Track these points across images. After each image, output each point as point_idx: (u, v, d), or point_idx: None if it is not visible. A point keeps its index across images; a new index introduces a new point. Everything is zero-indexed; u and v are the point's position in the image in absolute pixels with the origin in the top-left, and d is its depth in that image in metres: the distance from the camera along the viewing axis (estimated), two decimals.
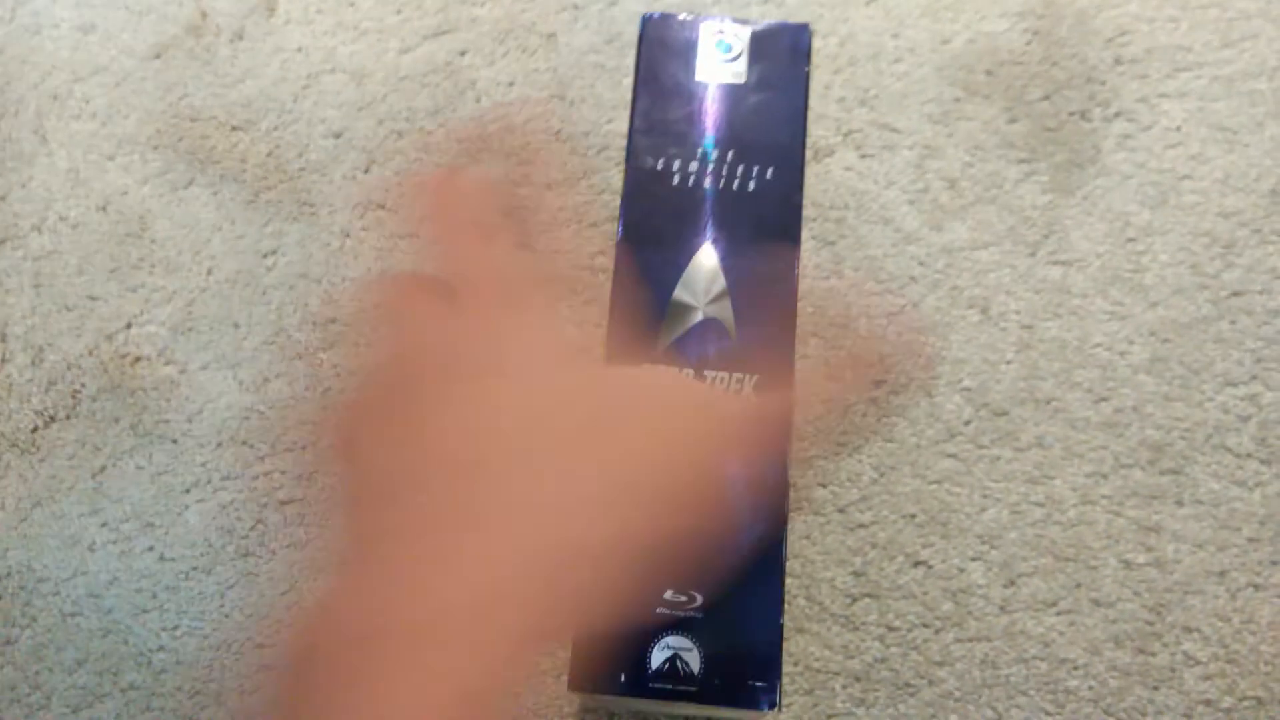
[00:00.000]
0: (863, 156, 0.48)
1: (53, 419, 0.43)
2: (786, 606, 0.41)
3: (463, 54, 0.50)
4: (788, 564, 0.42)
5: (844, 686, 0.41)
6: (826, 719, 0.40)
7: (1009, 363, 0.45)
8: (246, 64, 0.50)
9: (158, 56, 0.50)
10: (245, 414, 0.43)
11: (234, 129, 0.48)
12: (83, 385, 0.44)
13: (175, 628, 0.41)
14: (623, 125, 0.48)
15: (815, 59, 0.50)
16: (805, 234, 0.47)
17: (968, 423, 0.44)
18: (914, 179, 0.48)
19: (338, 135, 0.48)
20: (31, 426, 0.43)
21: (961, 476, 0.43)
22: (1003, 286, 0.46)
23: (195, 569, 0.41)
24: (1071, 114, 0.49)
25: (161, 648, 0.41)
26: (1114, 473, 0.44)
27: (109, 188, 0.47)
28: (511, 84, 0.49)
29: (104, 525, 0.42)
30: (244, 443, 0.43)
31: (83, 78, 0.50)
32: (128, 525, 0.42)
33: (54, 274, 0.46)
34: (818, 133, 0.49)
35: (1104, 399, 0.45)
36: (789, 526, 0.43)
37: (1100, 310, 0.46)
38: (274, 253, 0.46)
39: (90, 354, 0.44)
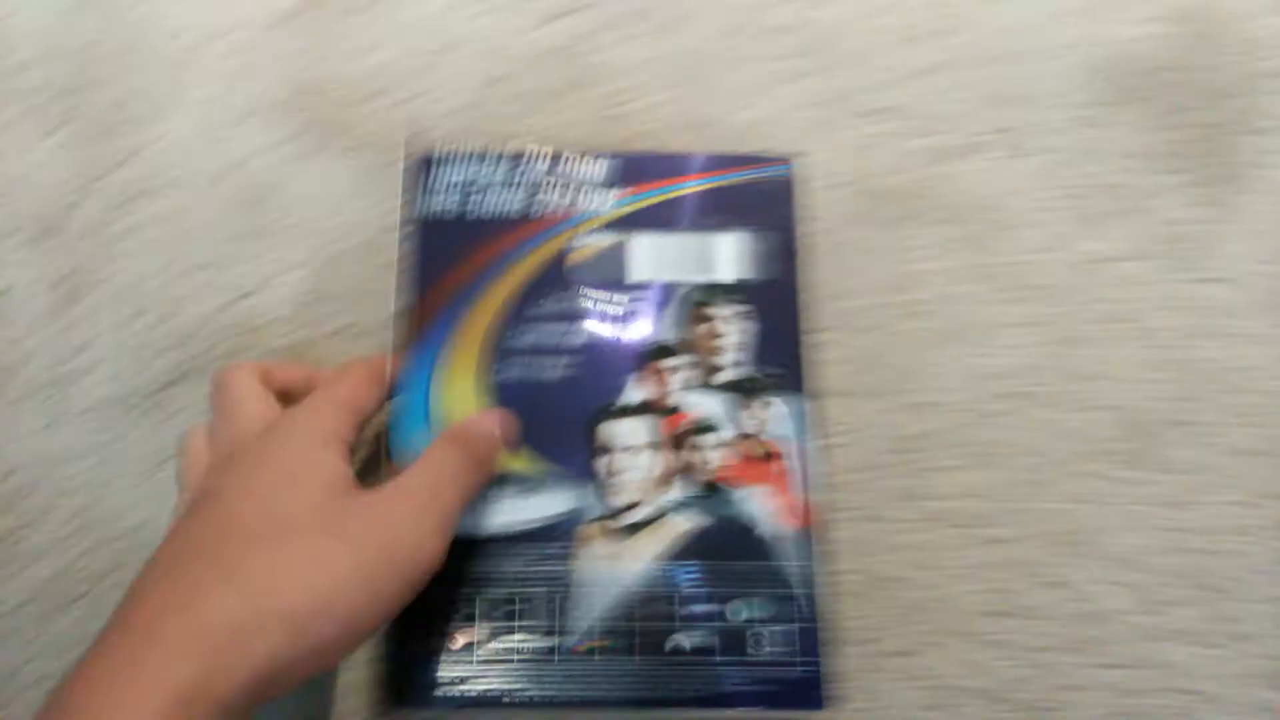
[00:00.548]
0: (1009, 157, 0.47)
1: (184, 376, 0.43)
2: (920, 616, 0.40)
3: (596, 32, 0.49)
4: (922, 574, 0.41)
5: (974, 705, 0.39)
6: None
7: (1160, 382, 0.43)
8: (379, 32, 0.49)
9: (291, 19, 0.49)
10: None
11: (365, 98, 0.48)
12: (212, 346, 0.44)
13: None
14: (755, 113, 0.47)
15: (960, 53, 0.48)
16: (941, 235, 0.45)
17: (1115, 441, 0.42)
18: (1062, 183, 0.46)
19: (469, 109, 0.47)
20: (161, 384, 0.43)
21: (1107, 497, 0.42)
22: (1154, 302, 0.44)
23: None
24: (1229, 124, 0.47)
25: None
26: (1265, 502, 0.42)
27: (241, 149, 0.47)
28: (645, 62, 0.48)
29: None
30: None
31: (216, 37, 0.49)
32: None
33: (187, 233, 0.45)
34: (964, 129, 0.47)
35: (1257, 425, 0.43)
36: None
37: (1257, 333, 0.44)
38: (407, 224, 0.45)
39: (220, 315, 0.44)
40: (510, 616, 0.35)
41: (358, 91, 0.48)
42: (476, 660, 0.35)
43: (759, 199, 0.40)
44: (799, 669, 0.35)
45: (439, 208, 0.40)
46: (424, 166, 0.41)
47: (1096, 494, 0.42)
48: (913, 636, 0.40)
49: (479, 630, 0.35)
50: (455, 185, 0.41)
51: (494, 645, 0.35)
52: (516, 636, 0.35)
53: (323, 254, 0.45)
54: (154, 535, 0.41)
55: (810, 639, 0.35)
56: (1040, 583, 0.41)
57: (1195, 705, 0.39)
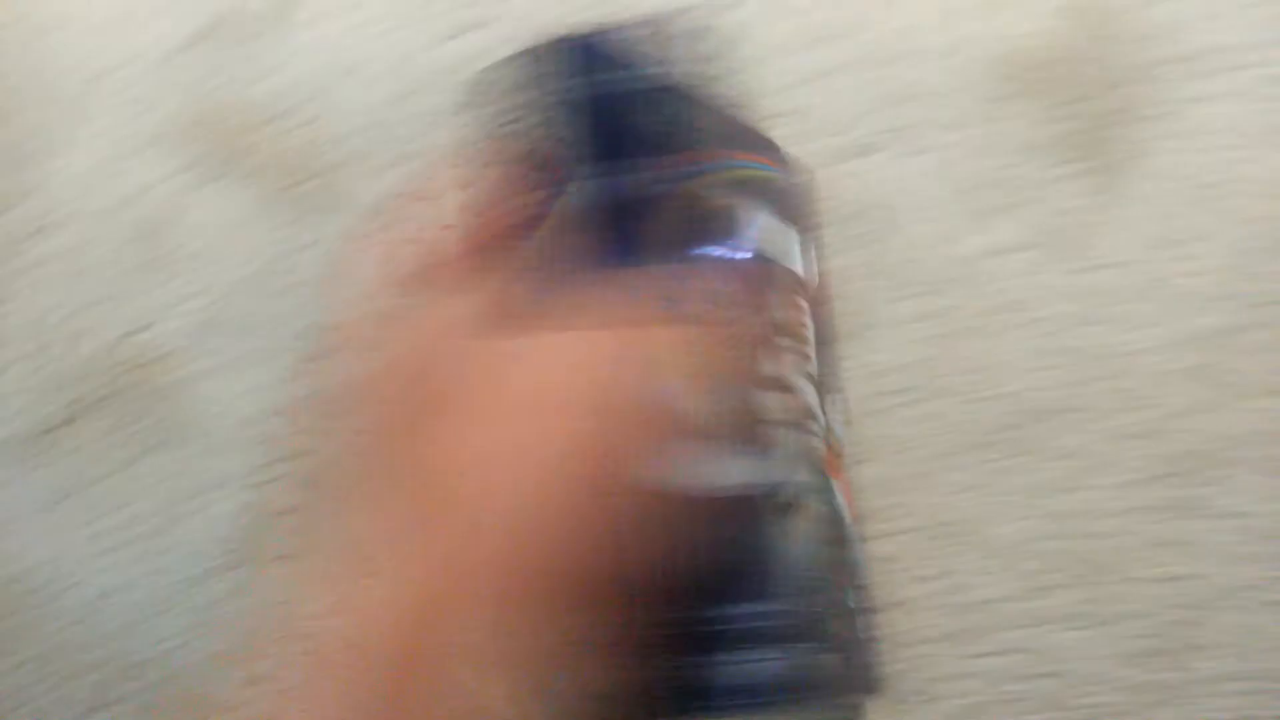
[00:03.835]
0: (904, 155, 0.47)
1: (83, 412, 0.44)
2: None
3: (499, 47, 0.49)
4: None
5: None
6: None
7: (1047, 369, 0.44)
8: (281, 55, 0.49)
9: (188, 49, 0.50)
10: (271, 416, 0.43)
11: (267, 121, 0.48)
12: (112, 380, 0.44)
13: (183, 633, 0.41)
14: None
15: (864, 50, 0.48)
16: (836, 235, 0.46)
17: (1000, 430, 0.43)
18: (955, 179, 0.47)
19: (373, 128, 0.48)
20: (59, 421, 0.43)
21: (990, 486, 0.43)
22: (1043, 290, 0.45)
23: (209, 572, 0.41)
24: (1116, 114, 0.48)
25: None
26: (1150, 483, 0.43)
27: (138, 181, 0.47)
28: None
29: (119, 526, 0.42)
30: (266, 445, 0.43)
31: (113, 70, 0.49)
32: (145, 525, 0.42)
33: (86, 266, 0.46)
34: (858, 130, 0.48)
35: (1142, 407, 0.44)
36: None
37: (1141, 316, 0.45)
38: (308, 247, 0.46)
39: (118, 348, 0.44)
40: None
41: (256, 117, 0.48)
42: None
43: None
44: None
45: None
46: None
47: (979, 483, 0.43)
48: None
49: None
50: None
51: None
52: None
53: (220, 282, 0.45)
54: (52, 576, 0.42)
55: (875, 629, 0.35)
56: (917, 575, 0.42)
57: (1071, 687, 0.40)
